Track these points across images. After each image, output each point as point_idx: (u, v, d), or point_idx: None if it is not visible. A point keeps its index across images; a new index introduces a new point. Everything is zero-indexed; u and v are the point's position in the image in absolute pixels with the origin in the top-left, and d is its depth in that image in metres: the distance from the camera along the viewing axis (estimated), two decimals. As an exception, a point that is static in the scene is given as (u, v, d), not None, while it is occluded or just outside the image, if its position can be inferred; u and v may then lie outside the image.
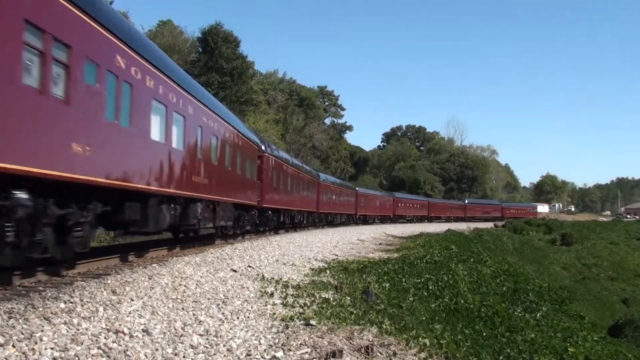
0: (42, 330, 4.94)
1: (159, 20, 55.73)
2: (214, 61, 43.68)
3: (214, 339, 5.62)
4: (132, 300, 6.62)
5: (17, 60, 6.46)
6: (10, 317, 5.26)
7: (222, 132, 15.73)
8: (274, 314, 7.03)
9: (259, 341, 5.70)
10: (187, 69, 44.11)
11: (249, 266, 11.20)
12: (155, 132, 10.79)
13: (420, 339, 6.75)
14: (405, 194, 76.38)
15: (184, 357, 4.97)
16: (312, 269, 12.06)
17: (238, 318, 6.63)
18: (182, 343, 5.33)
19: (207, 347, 5.31)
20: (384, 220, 59.02)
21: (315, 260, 14.08)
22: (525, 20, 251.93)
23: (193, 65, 45.45)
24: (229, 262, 11.26)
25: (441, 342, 7.02)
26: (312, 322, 6.63)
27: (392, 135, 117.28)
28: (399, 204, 64.48)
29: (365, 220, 52.43)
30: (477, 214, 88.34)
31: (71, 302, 6.02)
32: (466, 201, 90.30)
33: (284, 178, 25.30)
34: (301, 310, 7.37)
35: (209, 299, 7.53)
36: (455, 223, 63.63)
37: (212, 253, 12.39)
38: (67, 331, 5.07)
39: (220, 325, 6.19)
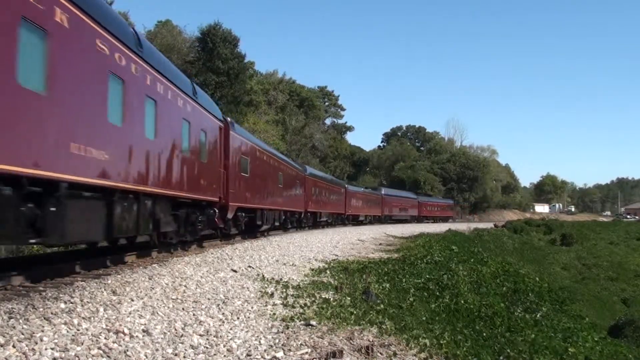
0: (42, 331, 4.94)
1: (158, 20, 55.67)
2: (212, 61, 43.63)
3: (214, 339, 5.62)
4: (133, 300, 6.62)
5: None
6: (10, 317, 5.26)
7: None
8: (274, 314, 7.03)
9: (259, 341, 5.70)
10: (186, 69, 44.15)
11: (249, 266, 11.20)
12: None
13: (420, 339, 6.76)
14: (318, 171, 44.50)
15: (184, 357, 4.97)
16: (312, 269, 12.06)
17: (238, 318, 6.63)
18: (182, 343, 5.33)
19: (207, 348, 5.31)
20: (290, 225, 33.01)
21: (316, 260, 14.09)
22: (525, 20, 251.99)
23: (192, 65, 45.41)
24: (229, 263, 11.26)
25: (441, 342, 7.03)
26: (313, 322, 6.63)
27: (392, 135, 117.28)
28: (315, 189, 36.17)
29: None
30: (395, 211, 63.69)
31: (71, 303, 6.02)
32: (382, 191, 61.51)
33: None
34: (301, 310, 7.37)
35: (209, 299, 7.53)
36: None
37: (212, 253, 12.39)
38: (68, 331, 5.07)
39: (220, 325, 6.19)
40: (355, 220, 50.38)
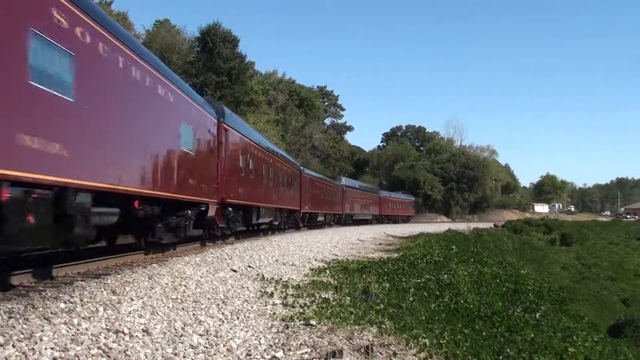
0: (42, 330, 4.94)
1: (156, 20, 55.57)
2: (212, 61, 43.63)
3: (214, 339, 5.62)
4: (132, 300, 6.62)
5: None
6: (10, 317, 5.25)
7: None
8: (274, 314, 7.03)
9: (259, 341, 5.70)
10: (186, 69, 44.15)
11: (249, 266, 11.20)
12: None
13: (420, 338, 6.75)
14: (256, 131, 26.74)
15: (184, 357, 4.97)
16: (312, 269, 12.06)
17: (238, 318, 6.63)
18: (182, 343, 5.33)
19: (207, 347, 5.31)
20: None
21: (315, 260, 14.09)
22: (525, 20, 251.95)
23: (192, 65, 45.39)
24: (229, 262, 11.26)
25: (441, 342, 7.02)
26: (312, 322, 6.63)
27: (392, 135, 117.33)
28: (246, 160, 21.63)
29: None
30: (356, 208, 50.88)
31: (71, 302, 6.02)
32: (343, 181, 47.65)
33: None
34: (301, 310, 7.37)
35: (209, 299, 7.53)
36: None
37: (212, 253, 12.39)
38: (67, 331, 5.07)
39: (220, 325, 6.19)
40: (311, 222, 35.99)
